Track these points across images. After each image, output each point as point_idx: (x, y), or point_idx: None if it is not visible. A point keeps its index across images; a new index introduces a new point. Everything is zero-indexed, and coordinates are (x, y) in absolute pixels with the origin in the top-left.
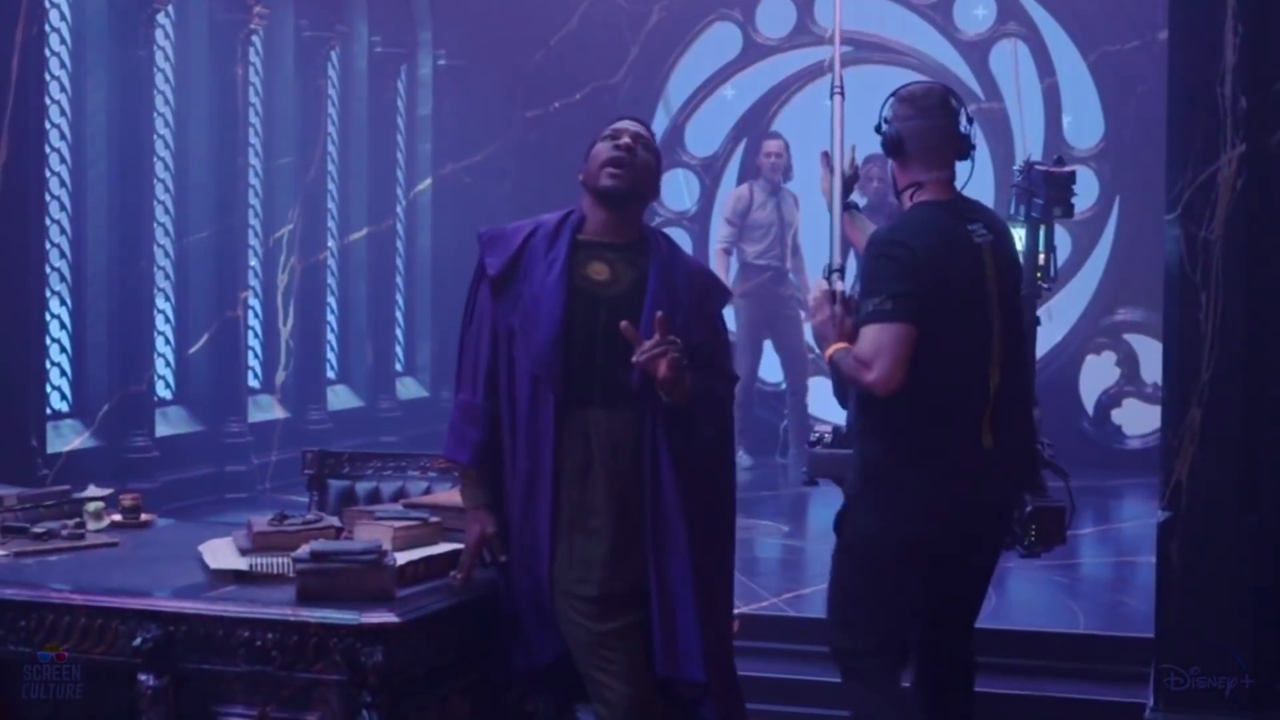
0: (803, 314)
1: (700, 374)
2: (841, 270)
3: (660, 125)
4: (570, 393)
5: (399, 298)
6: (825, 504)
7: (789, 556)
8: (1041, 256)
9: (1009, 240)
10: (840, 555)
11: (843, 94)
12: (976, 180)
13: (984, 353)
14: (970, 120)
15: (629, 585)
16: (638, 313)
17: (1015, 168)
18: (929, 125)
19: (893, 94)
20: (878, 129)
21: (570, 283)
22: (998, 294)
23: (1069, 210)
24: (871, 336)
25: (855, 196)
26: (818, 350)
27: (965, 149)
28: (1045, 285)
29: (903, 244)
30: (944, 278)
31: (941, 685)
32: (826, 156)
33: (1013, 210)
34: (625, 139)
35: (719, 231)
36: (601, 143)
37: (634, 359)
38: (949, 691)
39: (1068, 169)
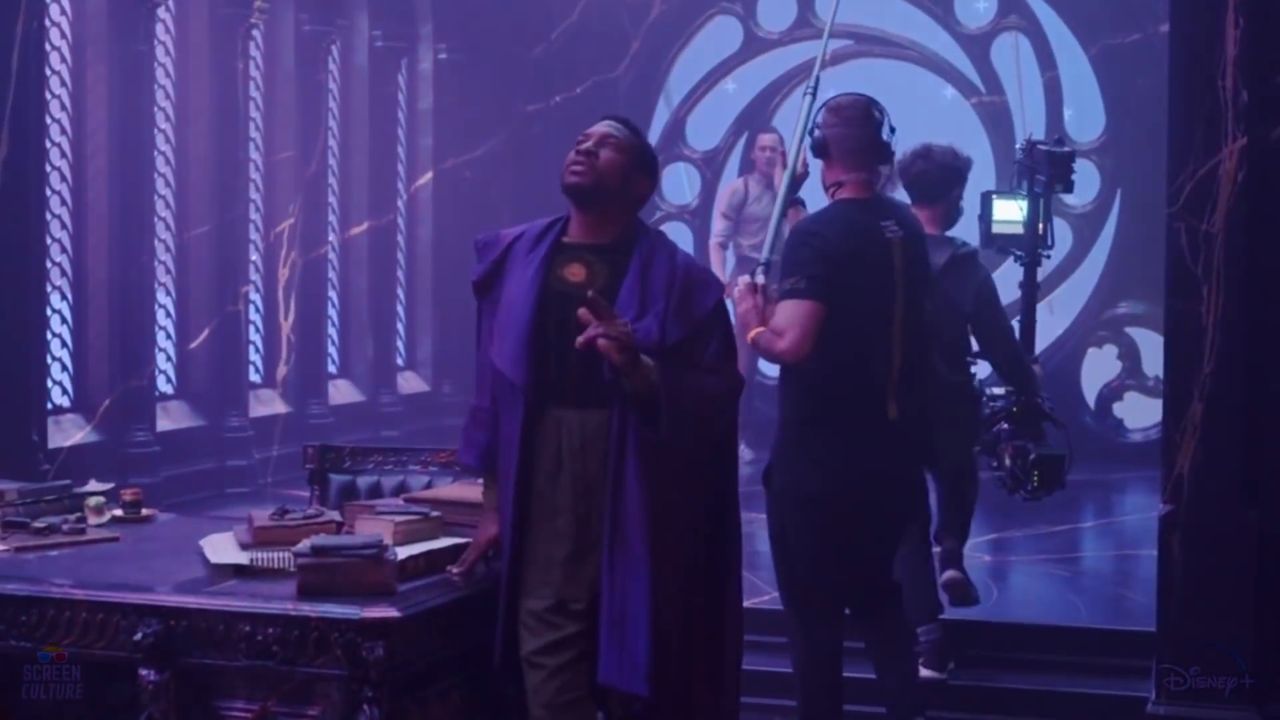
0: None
1: (677, 370)
2: (768, 265)
3: (661, 119)
4: (544, 393)
5: (400, 292)
6: None
7: None
8: (1041, 226)
9: (919, 238)
10: (768, 506)
11: (814, 95)
12: (979, 170)
13: (887, 333)
14: (892, 130)
15: (583, 591)
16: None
17: (1018, 146)
18: (851, 133)
19: (823, 104)
20: (810, 133)
21: (545, 284)
22: (904, 283)
23: (1069, 186)
24: (785, 311)
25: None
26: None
27: (885, 155)
28: (1046, 254)
29: (818, 234)
30: (854, 266)
31: (879, 642)
32: (784, 155)
33: (1015, 184)
34: (588, 143)
35: (714, 226)
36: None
37: (576, 344)
38: (883, 645)
39: (1067, 149)
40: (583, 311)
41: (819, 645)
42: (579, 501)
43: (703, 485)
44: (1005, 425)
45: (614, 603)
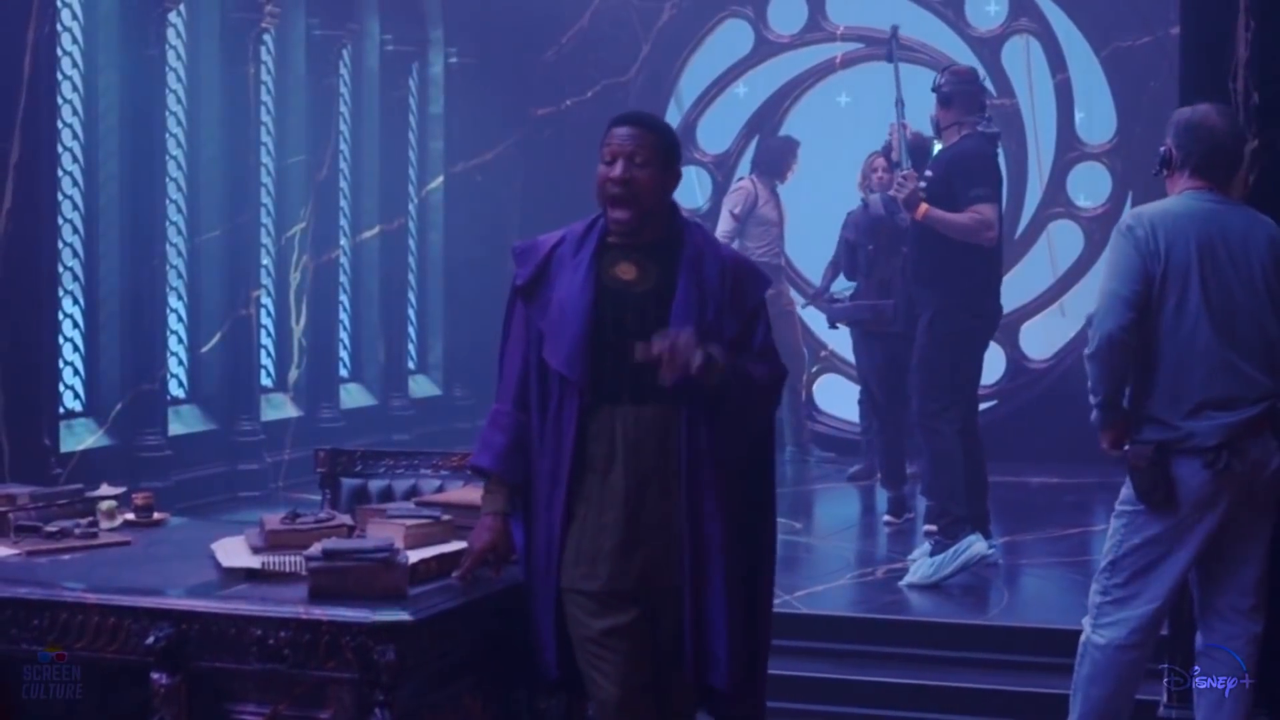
0: (798, 308)
1: (734, 356)
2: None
3: (672, 122)
4: (600, 390)
5: (411, 296)
6: (832, 501)
7: (799, 554)
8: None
9: None
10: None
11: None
12: None
13: None
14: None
15: (634, 584)
16: (666, 309)
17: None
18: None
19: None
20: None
21: (598, 283)
22: None
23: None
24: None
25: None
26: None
27: None
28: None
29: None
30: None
31: None
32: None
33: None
34: (618, 169)
35: (722, 226)
36: (601, 165)
37: (662, 381)
38: None
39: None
40: (640, 346)
41: None
42: (631, 495)
43: (747, 473)
44: None
45: (696, 599)
